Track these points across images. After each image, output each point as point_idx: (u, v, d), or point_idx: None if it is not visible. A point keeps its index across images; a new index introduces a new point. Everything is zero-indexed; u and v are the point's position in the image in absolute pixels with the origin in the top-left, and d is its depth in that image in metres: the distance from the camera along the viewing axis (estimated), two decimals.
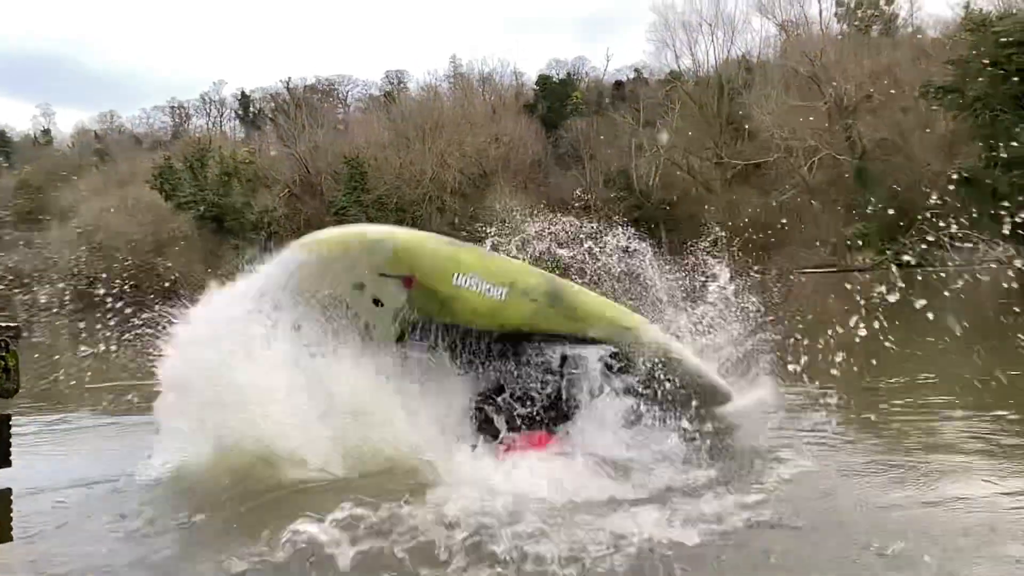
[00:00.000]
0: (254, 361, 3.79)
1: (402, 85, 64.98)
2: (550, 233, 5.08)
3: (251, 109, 65.87)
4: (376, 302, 4.02)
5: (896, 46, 43.20)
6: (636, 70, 59.37)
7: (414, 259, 3.83)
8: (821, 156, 40.51)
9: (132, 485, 3.89)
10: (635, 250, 4.87)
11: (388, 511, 3.14)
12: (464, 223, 48.72)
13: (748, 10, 58.71)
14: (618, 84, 59.43)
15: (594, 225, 4.90)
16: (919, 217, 35.99)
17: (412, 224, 48.22)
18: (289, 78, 62.53)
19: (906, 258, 34.73)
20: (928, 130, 38.53)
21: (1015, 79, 33.67)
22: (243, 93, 66.07)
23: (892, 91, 40.49)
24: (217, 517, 3.37)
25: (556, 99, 57.65)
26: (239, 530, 3.19)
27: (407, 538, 2.94)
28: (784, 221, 36.99)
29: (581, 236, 4.94)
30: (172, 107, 68.64)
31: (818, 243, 39.18)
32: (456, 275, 3.75)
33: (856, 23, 45.97)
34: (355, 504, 3.12)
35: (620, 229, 4.85)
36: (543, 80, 60.66)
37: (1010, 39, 33.40)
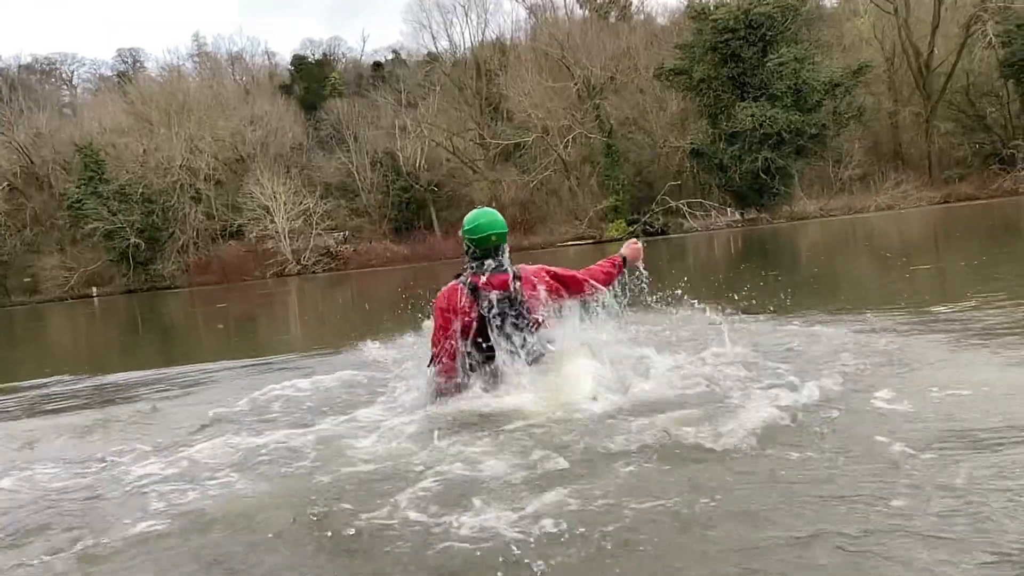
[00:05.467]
0: None
1: (139, 64, 59.52)
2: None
3: None
4: None
5: (632, 31, 46.83)
6: (394, 51, 59.09)
7: None
8: (574, 135, 42.89)
9: None
10: None
11: None
12: (222, 211, 45.79)
13: None
14: (377, 65, 58.69)
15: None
16: (663, 189, 39.75)
17: (163, 215, 44.53)
18: None
19: (652, 226, 38.24)
20: (663, 109, 42.36)
21: (731, 63, 37.95)
22: None
23: (632, 73, 43.97)
24: None
25: (313, 80, 55.78)
26: None
27: None
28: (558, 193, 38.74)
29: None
30: None
31: (576, 217, 41.73)
32: None
33: (595, 9, 49.17)
34: None
35: None
36: (298, 60, 58.48)
37: (726, 26, 37.47)
